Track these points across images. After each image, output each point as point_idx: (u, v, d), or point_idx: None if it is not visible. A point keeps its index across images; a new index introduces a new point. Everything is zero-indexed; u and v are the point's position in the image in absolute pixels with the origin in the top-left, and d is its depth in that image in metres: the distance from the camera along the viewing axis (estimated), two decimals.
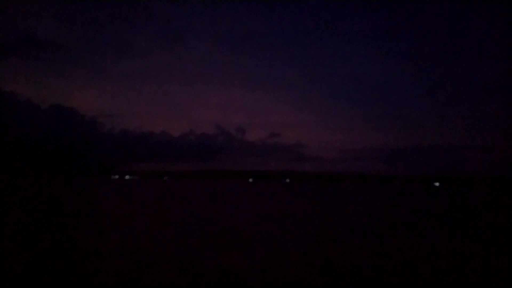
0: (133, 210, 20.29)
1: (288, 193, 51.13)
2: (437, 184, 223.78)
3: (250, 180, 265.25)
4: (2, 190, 41.43)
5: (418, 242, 11.70)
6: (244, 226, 14.60)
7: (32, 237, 11.09)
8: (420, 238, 12.64)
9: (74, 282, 6.68)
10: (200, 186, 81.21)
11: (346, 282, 7.07)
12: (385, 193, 61.29)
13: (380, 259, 9.05)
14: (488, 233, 14.40)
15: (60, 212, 18.13)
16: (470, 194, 63.75)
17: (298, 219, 17.55)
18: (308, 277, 7.29)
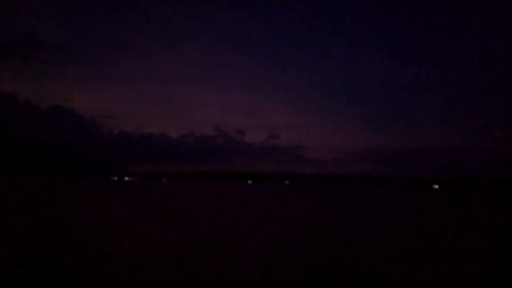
0: (133, 212, 20.26)
1: (288, 195, 51.11)
2: (436, 186, 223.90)
3: (249, 181, 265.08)
4: (1, 191, 41.35)
5: (418, 243, 11.70)
6: (243, 228, 14.58)
7: (31, 238, 11.07)
8: (420, 238, 12.64)
9: (74, 282, 6.65)
10: (199, 188, 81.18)
11: (346, 283, 7.05)
12: (384, 195, 61.27)
13: (380, 260, 9.04)
14: (488, 234, 14.40)
15: (60, 213, 18.09)
16: (470, 196, 63.74)
17: (297, 221, 17.53)
18: (308, 278, 7.28)
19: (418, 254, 10.02)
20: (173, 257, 8.81)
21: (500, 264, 9.14)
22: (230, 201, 32.38)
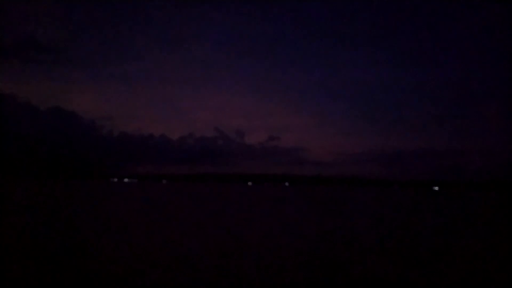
0: (132, 213, 20.27)
1: (288, 196, 51.11)
2: (436, 188, 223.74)
3: (249, 183, 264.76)
4: (1, 192, 41.34)
5: (418, 244, 11.71)
6: (244, 229, 14.60)
7: (31, 238, 11.08)
8: (420, 239, 12.65)
9: (74, 283, 6.67)
10: (199, 189, 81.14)
11: (346, 283, 7.08)
12: (384, 196, 61.26)
13: (380, 261, 9.06)
14: (488, 235, 14.42)
15: (59, 214, 18.10)
16: (470, 198, 63.73)
17: (297, 222, 17.55)
18: (308, 279, 7.30)
19: (418, 255, 10.04)
20: (173, 258, 8.83)
21: (500, 264, 9.16)
22: (230, 203, 32.38)
